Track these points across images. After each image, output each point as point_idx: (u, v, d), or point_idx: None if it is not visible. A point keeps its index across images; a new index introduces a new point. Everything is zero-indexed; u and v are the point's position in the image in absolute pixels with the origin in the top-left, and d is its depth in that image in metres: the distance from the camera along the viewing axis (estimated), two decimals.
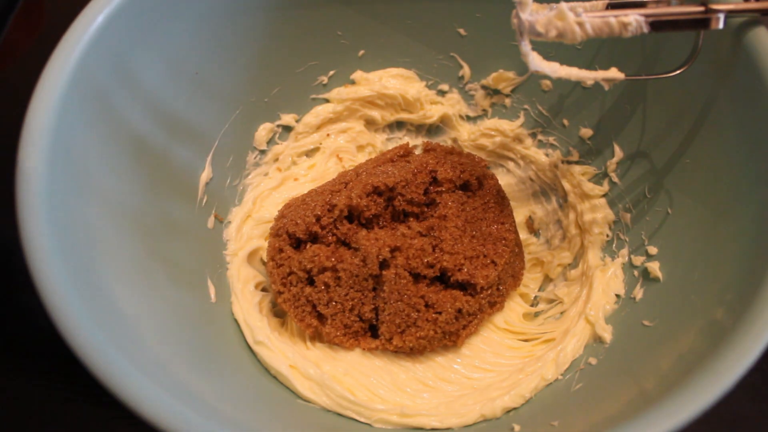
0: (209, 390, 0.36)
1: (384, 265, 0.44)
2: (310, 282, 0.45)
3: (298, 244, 0.46)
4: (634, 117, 0.46)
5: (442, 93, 0.55)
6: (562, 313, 0.46)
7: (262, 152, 0.52)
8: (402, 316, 0.43)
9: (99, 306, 0.32)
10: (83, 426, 0.44)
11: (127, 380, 0.29)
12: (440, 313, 0.43)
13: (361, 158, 0.54)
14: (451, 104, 0.54)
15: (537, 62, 0.36)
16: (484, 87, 0.54)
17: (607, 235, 0.48)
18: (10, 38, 0.54)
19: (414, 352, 0.44)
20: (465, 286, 0.45)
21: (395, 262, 0.43)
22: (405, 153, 0.50)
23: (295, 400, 0.41)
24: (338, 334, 0.44)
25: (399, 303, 0.43)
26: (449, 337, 0.44)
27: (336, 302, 0.44)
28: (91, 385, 0.29)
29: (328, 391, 0.41)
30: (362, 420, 0.40)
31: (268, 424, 0.36)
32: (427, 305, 0.44)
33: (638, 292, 0.43)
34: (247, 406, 0.37)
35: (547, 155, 0.53)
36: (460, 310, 0.44)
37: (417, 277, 0.44)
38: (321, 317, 0.45)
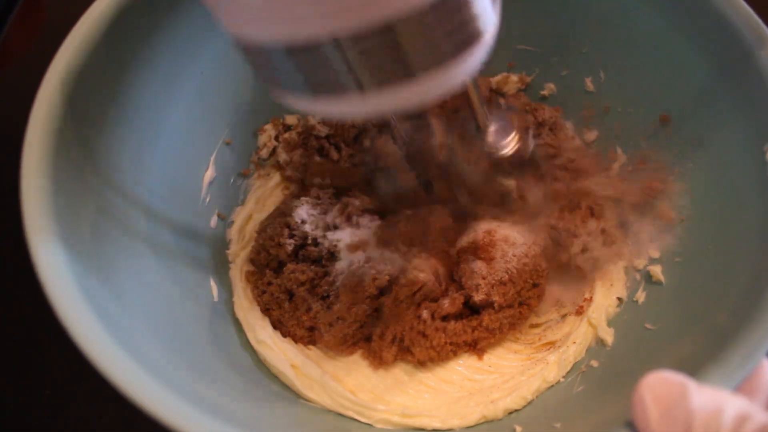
0: (211, 388, 0.36)
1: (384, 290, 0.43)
2: (291, 299, 0.45)
3: (278, 265, 0.46)
4: (637, 120, 0.46)
5: None
6: (563, 316, 0.46)
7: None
8: (406, 333, 0.42)
9: (101, 303, 0.32)
10: (85, 425, 0.44)
11: (130, 377, 0.29)
12: (447, 318, 0.43)
13: None
14: None
15: None
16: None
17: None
18: (9, 38, 0.54)
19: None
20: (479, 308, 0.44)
21: (396, 288, 0.42)
22: None
23: (297, 400, 0.41)
24: (336, 342, 0.43)
25: (397, 326, 0.42)
26: (460, 347, 0.43)
27: (332, 313, 0.43)
28: (98, 385, 0.29)
29: (329, 391, 0.41)
30: (363, 420, 0.40)
31: (270, 424, 0.36)
32: (433, 317, 0.43)
33: (640, 296, 0.43)
34: (248, 405, 0.37)
35: None
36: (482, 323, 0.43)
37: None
38: (312, 328, 0.44)
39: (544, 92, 0.51)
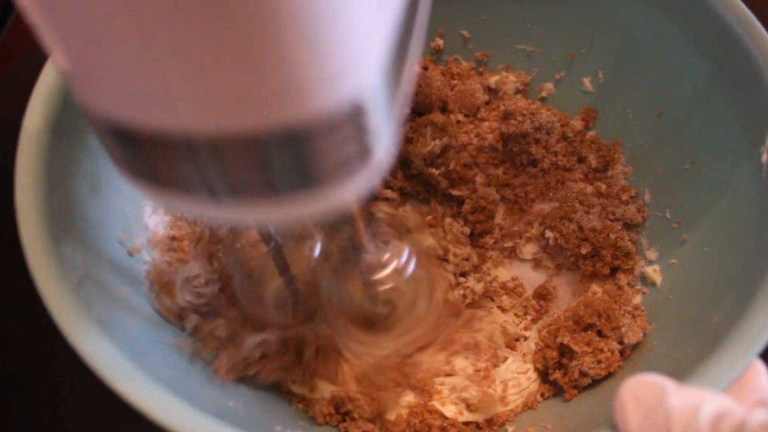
0: (207, 387, 0.36)
1: None
2: None
3: None
4: (634, 122, 0.46)
5: None
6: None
7: None
8: None
9: (97, 299, 0.32)
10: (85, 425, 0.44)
11: (124, 377, 0.29)
12: None
13: None
14: None
15: None
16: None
17: None
18: (9, 38, 0.54)
19: None
20: None
21: None
22: None
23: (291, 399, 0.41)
24: None
25: None
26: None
27: None
28: (98, 384, 0.29)
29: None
30: None
31: (266, 420, 0.37)
32: None
33: (636, 297, 0.43)
34: (245, 402, 0.37)
35: None
36: None
37: None
38: None
39: (543, 93, 0.51)
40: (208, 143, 0.19)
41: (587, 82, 0.48)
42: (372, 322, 0.41)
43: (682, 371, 0.31)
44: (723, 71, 0.39)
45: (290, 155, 0.20)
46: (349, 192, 0.22)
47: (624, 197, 0.46)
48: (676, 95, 0.42)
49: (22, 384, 0.45)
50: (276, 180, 0.21)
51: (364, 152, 0.22)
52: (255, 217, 0.23)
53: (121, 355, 0.30)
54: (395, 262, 0.37)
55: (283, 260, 0.37)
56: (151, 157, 0.21)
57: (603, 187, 0.47)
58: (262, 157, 0.20)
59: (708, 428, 0.23)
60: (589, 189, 0.47)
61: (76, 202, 0.35)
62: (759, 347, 0.30)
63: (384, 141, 0.23)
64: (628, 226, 0.45)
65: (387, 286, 0.38)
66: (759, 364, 0.30)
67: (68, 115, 0.35)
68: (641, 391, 0.26)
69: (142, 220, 0.41)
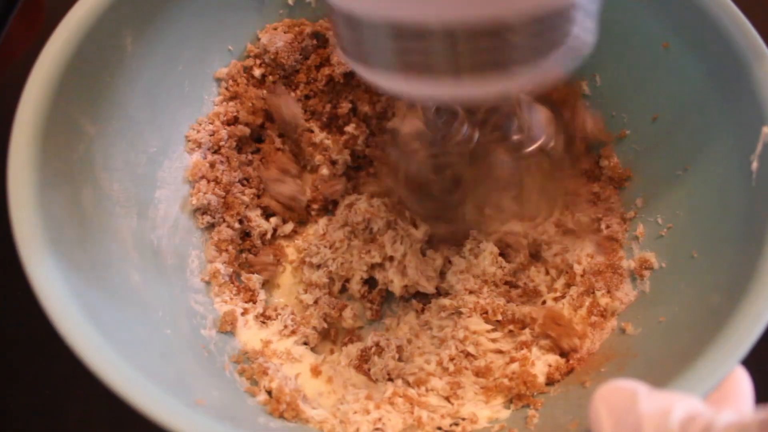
0: (200, 382, 0.36)
1: None
2: None
3: None
4: (629, 126, 0.46)
5: None
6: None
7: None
8: None
9: (91, 304, 0.32)
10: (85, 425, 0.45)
11: (122, 377, 0.29)
12: None
13: None
14: None
15: None
16: None
17: None
18: (9, 38, 0.55)
19: None
20: None
21: None
22: None
23: None
24: None
25: None
26: None
27: None
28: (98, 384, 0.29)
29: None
30: None
31: (249, 412, 0.37)
32: None
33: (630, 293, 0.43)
34: (240, 403, 0.38)
35: None
36: None
37: None
38: None
39: None
40: (469, 32, 0.25)
41: (584, 85, 0.48)
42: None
43: (665, 376, 0.31)
44: (718, 78, 0.39)
45: (528, 38, 0.26)
46: (556, 70, 0.29)
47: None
48: (671, 101, 0.43)
49: (22, 384, 0.45)
50: (512, 57, 0.26)
51: (574, 41, 0.28)
52: (484, 92, 0.28)
53: (101, 337, 0.30)
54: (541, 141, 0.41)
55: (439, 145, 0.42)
56: (408, 47, 0.26)
57: (596, 190, 0.47)
58: (509, 39, 0.25)
59: (678, 430, 0.23)
60: (582, 192, 0.47)
61: (70, 197, 0.36)
62: (742, 352, 0.30)
63: (586, 35, 0.29)
64: (615, 235, 0.45)
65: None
66: (741, 371, 0.30)
67: (61, 109, 0.35)
68: (614, 396, 0.26)
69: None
